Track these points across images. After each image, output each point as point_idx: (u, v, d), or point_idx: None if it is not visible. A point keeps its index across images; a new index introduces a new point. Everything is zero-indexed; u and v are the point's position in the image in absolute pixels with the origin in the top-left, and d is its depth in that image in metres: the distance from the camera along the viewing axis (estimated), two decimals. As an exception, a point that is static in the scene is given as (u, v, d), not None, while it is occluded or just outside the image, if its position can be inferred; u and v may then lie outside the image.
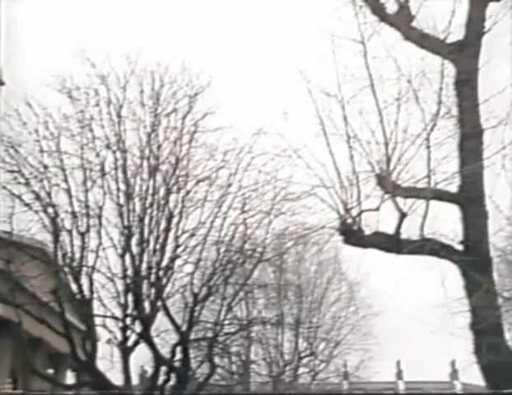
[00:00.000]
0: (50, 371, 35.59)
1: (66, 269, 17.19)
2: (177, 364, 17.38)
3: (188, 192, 17.28)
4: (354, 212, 11.76)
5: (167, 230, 17.04)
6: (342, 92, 12.08)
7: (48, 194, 17.02)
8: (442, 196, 11.81)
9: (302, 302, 28.90)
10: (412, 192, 11.61)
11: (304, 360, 29.54)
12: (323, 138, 12.14)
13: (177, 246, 17.13)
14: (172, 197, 17.21)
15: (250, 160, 17.38)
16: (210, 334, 18.30)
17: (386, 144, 11.67)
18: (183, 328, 17.33)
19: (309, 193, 13.92)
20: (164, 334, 18.91)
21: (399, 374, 42.24)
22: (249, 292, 20.14)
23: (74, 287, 17.13)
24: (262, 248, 18.06)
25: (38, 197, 16.95)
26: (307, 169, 12.34)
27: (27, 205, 16.93)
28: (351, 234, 11.81)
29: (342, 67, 12.13)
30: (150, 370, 24.48)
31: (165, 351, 18.19)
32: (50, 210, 16.96)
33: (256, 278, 20.56)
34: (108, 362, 17.53)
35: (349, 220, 11.76)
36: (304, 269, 29.30)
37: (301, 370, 29.94)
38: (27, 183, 17.01)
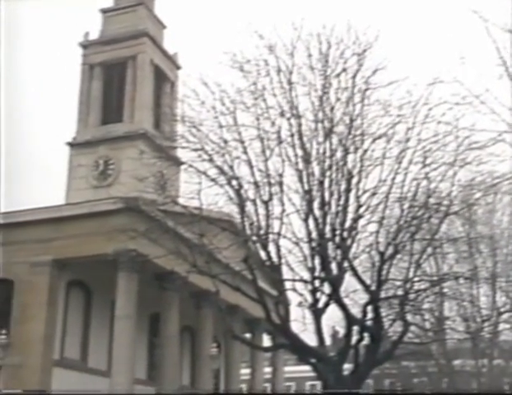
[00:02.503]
0: (248, 335, 37.54)
1: (254, 238, 17.80)
2: (369, 323, 17.38)
3: (365, 151, 17.07)
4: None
5: (347, 190, 16.99)
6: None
7: (231, 167, 17.69)
8: None
9: (497, 255, 27.53)
10: None
11: (505, 316, 28.15)
12: (506, 80, 11.30)
13: (359, 206, 17.03)
14: (350, 158, 17.11)
15: (428, 112, 16.77)
16: (400, 292, 18.02)
17: None
18: (373, 287, 17.25)
19: (497, 140, 13.12)
20: (353, 294, 18.97)
21: None
22: (437, 247, 19.50)
23: (263, 254, 17.71)
24: (448, 201, 17.39)
25: (222, 172, 17.69)
26: (492, 115, 11.59)
27: (213, 180, 17.75)
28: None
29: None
30: (341, 331, 24.85)
31: (355, 311, 18.28)
32: (234, 182, 17.63)
33: (444, 232, 19.85)
34: (300, 324, 17.97)
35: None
36: (497, 220, 27.86)
37: (502, 327, 28.60)
38: (211, 159, 17.81)
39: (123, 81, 37.87)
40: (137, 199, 25.03)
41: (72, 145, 36.98)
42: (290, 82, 17.46)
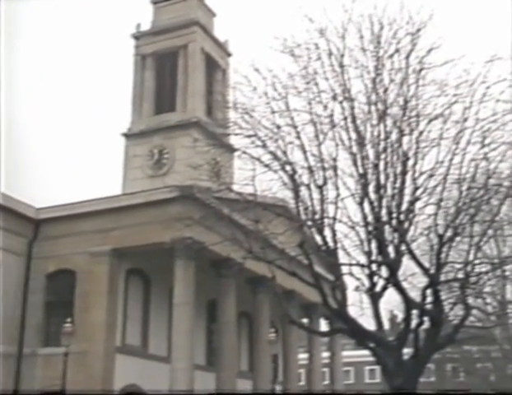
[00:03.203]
0: (304, 320, 37.59)
1: (309, 223, 17.75)
2: (428, 307, 17.13)
3: (421, 133, 16.75)
4: None
5: (403, 173, 16.72)
6: None
7: (284, 153, 17.64)
8: None
9: None
10: None
11: None
12: None
13: (416, 188, 16.74)
14: (405, 140, 16.82)
15: (486, 90, 16.29)
16: (460, 275, 17.67)
17: None
18: (432, 271, 16.98)
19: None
20: (411, 278, 18.72)
21: None
22: (498, 229, 19.03)
23: (318, 239, 17.64)
24: (509, 182, 16.93)
25: (275, 157, 17.66)
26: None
27: (266, 166, 17.74)
28: None
29: None
30: (400, 315, 24.53)
31: (414, 295, 18.04)
32: (288, 168, 17.58)
33: (505, 214, 19.34)
34: (358, 309, 17.87)
35: None
36: None
37: None
38: (264, 145, 17.80)
39: (174, 71, 38.23)
40: (192, 187, 25.29)
41: (127, 135, 37.60)
42: (341, 65, 17.25)
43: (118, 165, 37.30)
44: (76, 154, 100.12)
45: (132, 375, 27.03)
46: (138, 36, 39.64)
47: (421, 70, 16.86)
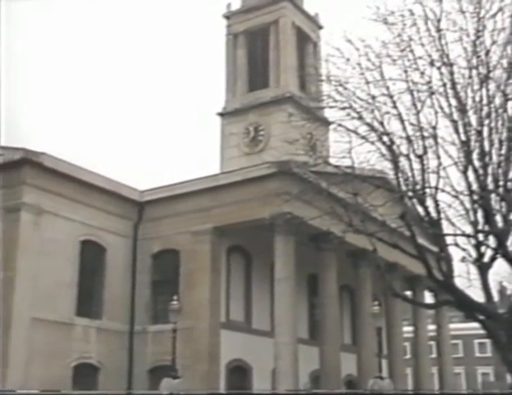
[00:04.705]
0: (408, 293, 37.00)
1: (410, 193, 17.34)
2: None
3: (527, 96, 15.90)
4: None
5: (510, 139, 15.95)
6: None
7: (381, 123, 17.26)
8: None
9: None
10: None
11: None
12: None
13: (523, 155, 15.95)
14: (510, 104, 16.02)
15: None
16: None
17: None
18: (544, 240, 16.19)
19: None
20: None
21: None
22: None
23: (421, 210, 17.22)
24: None
25: (372, 128, 17.32)
26: None
27: (363, 137, 17.43)
28: None
29: None
30: (510, 286, 23.67)
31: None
32: (385, 138, 17.20)
33: None
34: (465, 280, 17.33)
35: None
36: None
37: None
38: (360, 117, 17.48)
39: (266, 47, 38.26)
40: (288, 162, 25.34)
41: (222, 115, 38.08)
42: (439, 30, 16.58)
43: (214, 145, 37.94)
44: (173, 137, 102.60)
45: (237, 350, 27.67)
46: (229, 16, 39.92)
47: (526, 29, 15.97)
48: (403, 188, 17.31)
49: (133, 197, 29.34)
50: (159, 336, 26.82)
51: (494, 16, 16.13)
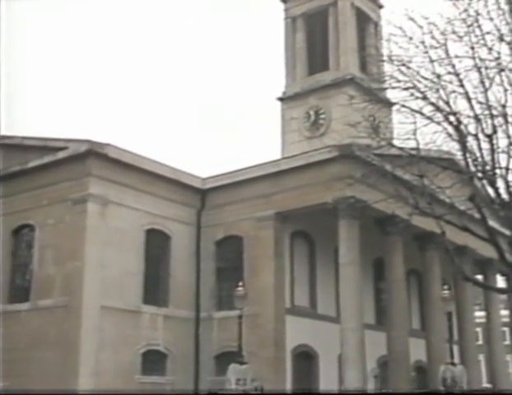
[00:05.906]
0: (479, 277, 36.00)
1: (479, 174, 16.76)
2: None
3: None
4: None
5: None
6: None
7: (447, 103, 16.72)
8: None
9: None
10: None
11: None
12: None
13: None
14: None
15: None
16: None
17: None
18: None
19: None
20: None
21: None
22: None
23: (491, 192, 16.62)
24: None
25: (437, 108, 16.81)
26: None
27: (428, 118, 16.95)
28: None
29: None
30: None
31: None
32: (452, 118, 16.66)
33: None
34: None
35: None
36: None
37: None
38: (424, 97, 16.98)
39: (325, 29, 37.65)
40: (351, 145, 24.89)
41: (282, 99, 37.77)
42: (509, 2, 15.87)
43: (275, 130, 37.70)
44: (233, 123, 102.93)
45: (303, 336, 27.54)
46: (287, -1, 39.45)
47: None
48: (472, 169, 16.75)
49: (196, 184, 29.49)
50: (224, 323, 26.96)
51: None
